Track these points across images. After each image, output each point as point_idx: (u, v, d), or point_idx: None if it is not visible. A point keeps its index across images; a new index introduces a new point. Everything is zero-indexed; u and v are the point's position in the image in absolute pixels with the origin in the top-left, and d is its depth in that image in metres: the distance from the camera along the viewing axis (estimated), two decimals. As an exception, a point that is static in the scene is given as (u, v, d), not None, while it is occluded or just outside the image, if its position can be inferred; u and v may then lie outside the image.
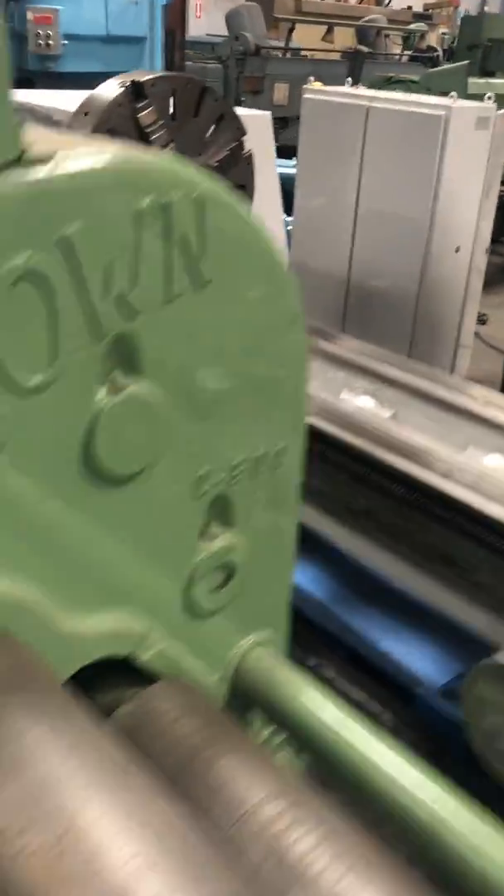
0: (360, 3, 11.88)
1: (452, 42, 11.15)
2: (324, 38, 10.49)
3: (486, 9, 21.63)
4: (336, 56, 8.97)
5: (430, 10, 13.52)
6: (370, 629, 1.95)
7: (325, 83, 9.45)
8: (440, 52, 9.69)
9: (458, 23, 14.32)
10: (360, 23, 9.48)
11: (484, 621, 1.76)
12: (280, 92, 8.48)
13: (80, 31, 5.65)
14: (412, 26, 10.33)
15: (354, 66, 8.25)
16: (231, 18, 9.29)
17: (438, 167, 3.81)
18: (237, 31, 8.80)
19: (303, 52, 9.00)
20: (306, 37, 9.91)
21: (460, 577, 1.77)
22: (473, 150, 3.80)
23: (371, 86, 7.67)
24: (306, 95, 4.29)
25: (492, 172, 4.03)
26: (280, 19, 8.79)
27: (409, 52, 10.01)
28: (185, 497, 0.87)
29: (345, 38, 10.01)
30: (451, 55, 9.66)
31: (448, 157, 3.73)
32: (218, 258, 0.80)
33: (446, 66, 9.34)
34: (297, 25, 9.27)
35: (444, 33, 12.31)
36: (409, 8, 12.96)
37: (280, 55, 8.74)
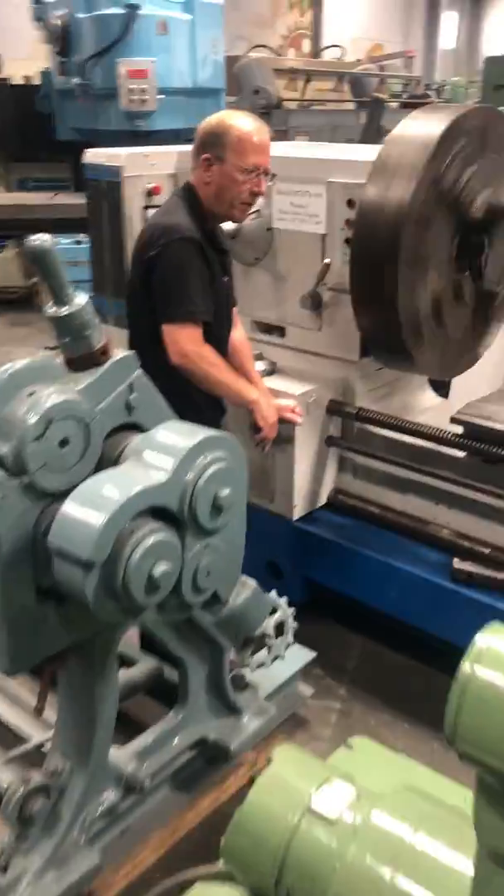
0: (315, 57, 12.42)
1: (406, 86, 11.73)
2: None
3: (440, 50, 23.12)
4: (349, 106, 9.29)
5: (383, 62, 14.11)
6: None
7: (343, 133, 9.69)
8: (436, 99, 10.17)
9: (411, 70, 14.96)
10: (385, 73, 9.90)
11: None
12: (302, 143, 8.73)
13: (172, 84, 5.71)
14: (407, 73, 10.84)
15: (374, 115, 8.51)
16: (242, 73, 9.62)
17: None
18: (252, 86, 9.10)
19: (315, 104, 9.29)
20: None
21: None
22: None
23: None
24: None
25: None
26: (297, 71, 9.08)
27: (402, 100, 10.43)
28: None
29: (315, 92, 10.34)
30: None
31: None
32: None
33: None
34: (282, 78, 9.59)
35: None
36: (359, 60, 13.52)
37: (295, 108, 9.00)
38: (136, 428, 1.81)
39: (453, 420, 2.86)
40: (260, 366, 3.19)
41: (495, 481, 2.84)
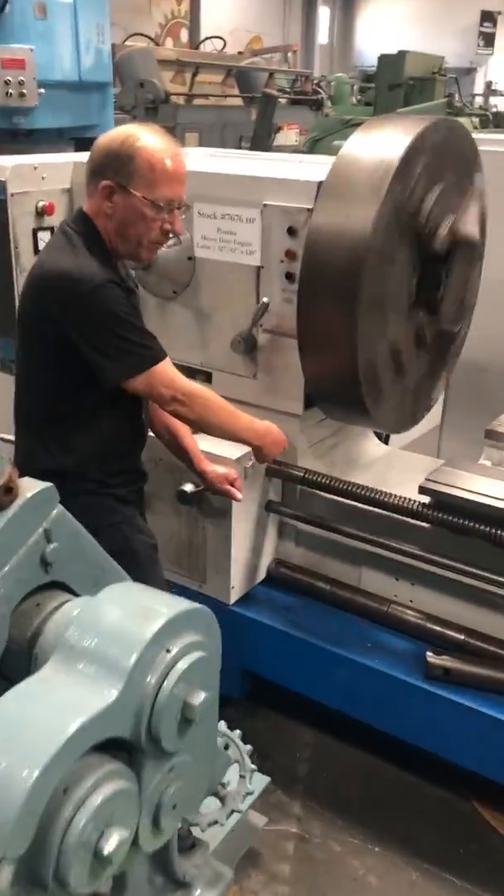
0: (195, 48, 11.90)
1: (294, 83, 11.40)
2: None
3: (318, 44, 22.87)
4: (238, 101, 8.82)
5: (266, 55, 13.78)
6: None
7: (234, 130, 9.22)
8: (324, 95, 9.81)
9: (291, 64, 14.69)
10: (274, 67, 9.43)
11: None
12: (191, 141, 8.20)
13: (53, 76, 5.01)
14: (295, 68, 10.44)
15: (266, 111, 8.10)
16: (125, 64, 8.93)
17: None
18: (136, 78, 8.44)
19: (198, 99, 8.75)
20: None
21: None
22: None
23: (324, 130, 7.57)
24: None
25: None
26: (184, 64, 8.50)
27: (292, 96, 10.04)
28: None
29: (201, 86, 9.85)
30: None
31: None
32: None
33: (360, 106, 9.48)
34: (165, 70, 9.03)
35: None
36: (240, 53, 13.14)
37: (183, 102, 8.45)
38: (59, 586, 1.26)
39: (422, 490, 2.43)
40: (185, 422, 2.66)
41: (468, 555, 2.43)
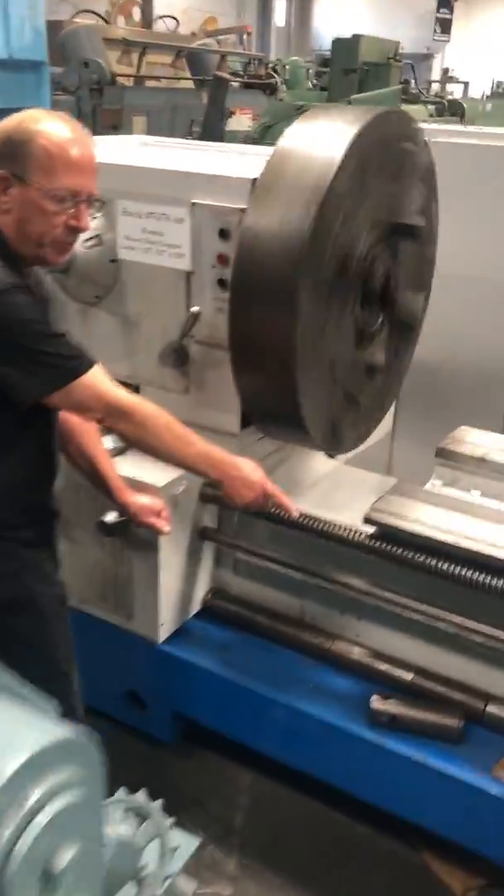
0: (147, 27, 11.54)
1: (248, 66, 11.10)
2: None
3: (274, 27, 22.40)
4: (189, 84, 8.51)
5: (220, 37, 13.47)
6: None
7: (184, 114, 8.93)
8: (279, 79, 9.52)
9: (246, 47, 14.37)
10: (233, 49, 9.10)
11: None
12: (139, 125, 7.87)
13: (-23, 53, 4.68)
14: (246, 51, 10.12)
15: (217, 95, 7.82)
16: (69, 41, 8.52)
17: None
18: (80, 57, 8.05)
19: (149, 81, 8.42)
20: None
21: None
22: None
23: (275, 116, 7.29)
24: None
25: None
26: (132, 43, 8.15)
27: (242, 80, 9.74)
28: None
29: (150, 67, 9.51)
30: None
31: None
32: None
33: (316, 91, 9.19)
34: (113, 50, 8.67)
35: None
36: (193, 34, 12.79)
37: (130, 84, 8.12)
38: None
39: (367, 520, 2.21)
40: (107, 443, 2.40)
41: (415, 588, 2.23)
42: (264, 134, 7.32)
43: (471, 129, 3.71)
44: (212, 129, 7.54)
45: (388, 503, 2.24)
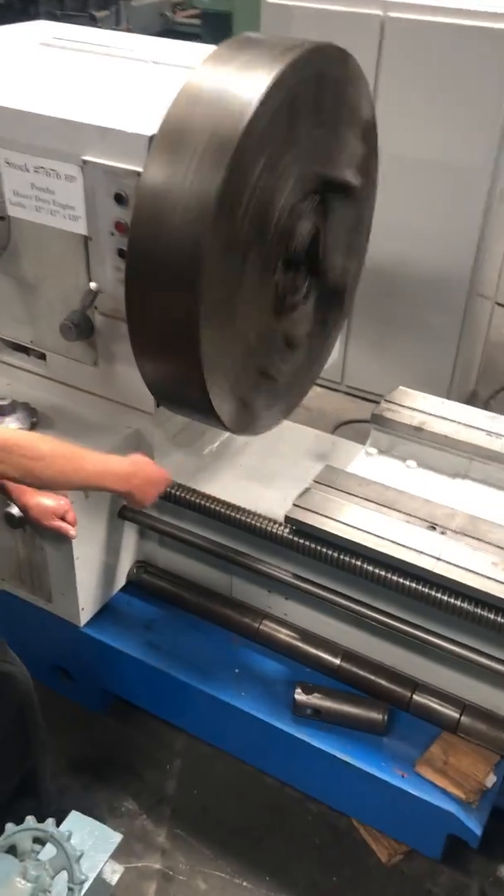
0: None
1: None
2: None
3: None
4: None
5: None
6: None
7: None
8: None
9: None
10: None
11: None
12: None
13: None
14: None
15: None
16: None
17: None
18: None
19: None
20: None
21: None
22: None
23: None
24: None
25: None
26: None
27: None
28: None
29: None
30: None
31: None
32: None
33: None
34: None
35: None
36: None
37: None
38: None
39: (287, 519, 2.06)
40: (10, 424, 2.20)
41: (337, 580, 2.12)
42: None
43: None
44: None
45: (309, 499, 2.08)
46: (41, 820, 1.79)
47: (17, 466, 1.65)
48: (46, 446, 1.69)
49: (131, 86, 2.20)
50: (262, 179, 1.74)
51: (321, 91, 1.87)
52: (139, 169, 1.81)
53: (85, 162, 1.90)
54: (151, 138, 1.79)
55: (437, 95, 3.39)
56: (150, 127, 1.80)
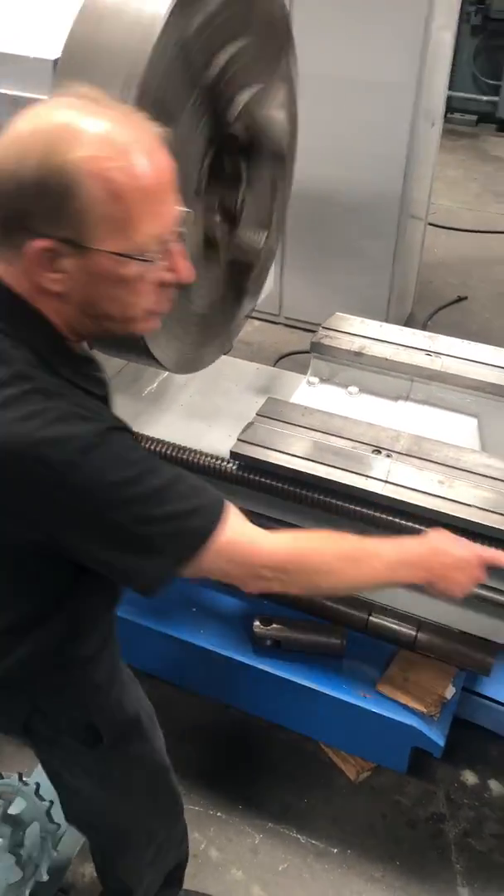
0: None
1: None
2: None
3: None
4: None
5: None
6: None
7: None
8: None
9: None
10: None
11: None
12: None
13: None
14: None
15: None
16: None
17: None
18: None
19: None
20: None
21: None
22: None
23: None
24: None
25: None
26: None
27: None
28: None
29: None
30: None
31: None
32: None
33: None
34: None
35: None
36: None
37: None
38: None
39: (232, 454, 2.03)
40: None
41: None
42: None
43: None
44: None
45: (253, 433, 2.05)
46: None
47: (300, 585, 1.30)
48: (331, 552, 1.31)
49: (27, 8, 2.07)
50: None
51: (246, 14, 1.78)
52: (46, 97, 1.71)
53: (-11, 92, 1.79)
54: (55, 62, 1.70)
55: (356, 9, 3.29)
56: (54, 50, 1.70)
